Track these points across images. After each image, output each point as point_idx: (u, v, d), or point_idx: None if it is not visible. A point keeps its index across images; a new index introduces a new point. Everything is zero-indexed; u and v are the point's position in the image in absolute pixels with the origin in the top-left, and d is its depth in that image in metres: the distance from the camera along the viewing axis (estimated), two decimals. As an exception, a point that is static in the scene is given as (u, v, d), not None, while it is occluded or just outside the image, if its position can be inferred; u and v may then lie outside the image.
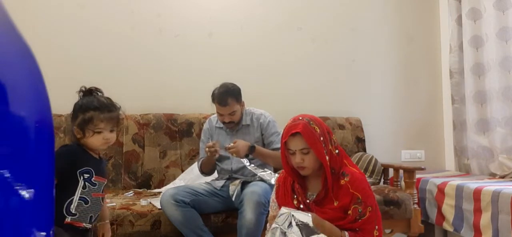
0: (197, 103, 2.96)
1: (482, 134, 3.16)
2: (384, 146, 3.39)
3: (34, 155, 0.81)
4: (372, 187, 1.92)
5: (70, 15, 3.04)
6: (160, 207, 2.21)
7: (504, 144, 3.00)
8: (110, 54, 3.08)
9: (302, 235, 1.42)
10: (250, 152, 2.27)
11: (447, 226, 2.70)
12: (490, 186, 2.46)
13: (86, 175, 1.49)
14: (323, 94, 3.39)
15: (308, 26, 3.40)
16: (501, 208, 2.28)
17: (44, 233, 0.80)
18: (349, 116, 3.32)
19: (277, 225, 1.47)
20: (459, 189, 2.61)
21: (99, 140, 1.52)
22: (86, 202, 1.49)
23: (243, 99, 2.39)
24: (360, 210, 1.55)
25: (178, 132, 2.96)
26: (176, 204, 2.14)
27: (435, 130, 3.61)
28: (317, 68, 3.41)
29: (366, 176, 2.72)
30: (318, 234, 1.43)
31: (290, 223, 1.44)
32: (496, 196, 2.32)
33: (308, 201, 1.63)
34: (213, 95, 2.32)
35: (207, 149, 2.25)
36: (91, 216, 1.53)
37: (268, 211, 1.84)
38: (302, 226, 1.43)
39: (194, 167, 2.74)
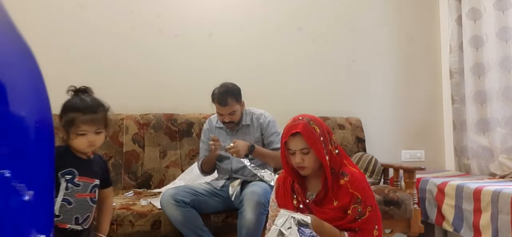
0: (197, 103, 2.97)
1: (482, 134, 3.16)
2: (384, 146, 3.39)
3: (34, 155, 0.81)
4: (372, 187, 1.92)
5: (70, 15, 3.04)
6: (160, 207, 2.21)
7: (504, 144, 3.00)
8: (110, 54, 3.08)
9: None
10: (250, 152, 2.27)
11: (447, 226, 2.70)
12: (490, 186, 2.46)
13: (68, 177, 1.46)
14: (323, 94, 3.39)
15: (308, 26, 3.40)
16: (501, 208, 2.28)
17: (43, 236, 0.80)
18: (349, 116, 3.32)
19: (276, 227, 1.46)
20: (459, 189, 2.61)
21: (83, 142, 1.48)
22: (70, 203, 1.46)
23: (243, 99, 2.39)
24: (359, 210, 1.55)
25: (178, 132, 2.96)
26: (176, 204, 2.14)
27: (435, 130, 3.61)
28: (317, 68, 3.41)
29: (366, 176, 2.72)
30: None
31: (290, 225, 1.44)
32: (496, 196, 2.32)
33: (307, 201, 1.63)
34: (213, 95, 2.32)
35: (211, 142, 2.25)
36: (77, 217, 1.49)
37: (268, 211, 1.84)
38: (301, 229, 1.43)
39: (194, 167, 2.74)
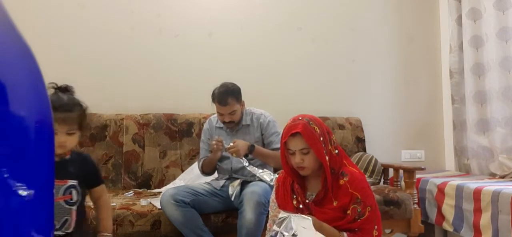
0: (197, 103, 2.97)
1: (482, 134, 3.16)
2: (384, 146, 3.39)
3: (34, 155, 0.81)
4: (372, 187, 1.92)
5: (70, 15, 3.04)
6: (160, 207, 2.21)
7: (504, 144, 3.00)
8: (110, 54, 3.08)
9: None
10: (250, 152, 2.27)
11: (447, 226, 2.70)
12: (490, 186, 2.46)
13: None
14: (323, 94, 3.39)
15: (308, 26, 3.40)
16: (501, 208, 2.28)
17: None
18: (349, 116, 3.32)
19: (276, 229, 1.46)
20: (459, 189, 2.61)
21: None
22: None
23: (243, 99, 2.39)
24: (359, 210, 1.55)
25: (178, 132, 2.96)
26: (176, 204, 2.14)
27: (435, 130, 3.61)
28: (317, 68, 3.41)
29: (366, 176, 2.72)
30: None
31: (291, 227, 1.44)
32: (496, 196, 2.32)
33: (307, 201, 1.63)
34: (213, 94, 2.32)
35: (214, 142, 2.25)
36: None
37: (268, 211, 1.84)
38: (302, 230, 1.42)
39: (194, 167, 2.74)
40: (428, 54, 3.64)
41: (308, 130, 1.55)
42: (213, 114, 2.50)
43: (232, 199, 2.23)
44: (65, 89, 1.48)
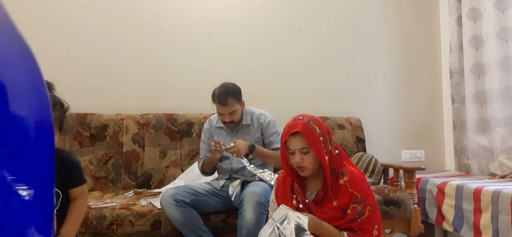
0: (197, 103, 2.97)
1: (482, 134, 3.16)
2: (384, 146, 3.39)
3: (34, 155, 0.81)
4: (372, 187, 1.92)
5: (70, 15, 3.04)
6: (160, 207, 2.21)
7: (504, 144, 3.00)
8: (110, 54, 3.08)
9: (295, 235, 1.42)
10: (250, 152, 2.27)
11: (447, 226, 2.70)
12: (490, 186, 2.46)
13: None
14: (323, 94, 3.39)
15: (308, 26, 3.40)
16: (501, 208, 2.28)
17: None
18: (349, 116, 3.32)
19: (273, 221, 1.47)
20: (459, 189, 2.61)
21: None
22: None
23: (243, 99, 2.40)
24: (359, 210, 1.55)
25: (178, 132, 2.96)
26: (176, 204, 2.14)
27: (435, 130, 3.61)
28: (317, 68, 3.41)
29: (366, 176, 2.72)
30: None
31: (288, 220, 1.44)
32: (496, 196, 2.32)
33: (307, 201, 1.63)
34: (213, 95, 2.33)
35: (213, 143, 2.25)
36: None
37: (268, 211, 1.84)
38: (297, 227, 1.43)
39: (194, 167, 2.74)
40: (428, 54, 3.64)
41: (308, 130, 1.55)
42: (213, 114, 2.50)
43: (232, 199, 2.23)
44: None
